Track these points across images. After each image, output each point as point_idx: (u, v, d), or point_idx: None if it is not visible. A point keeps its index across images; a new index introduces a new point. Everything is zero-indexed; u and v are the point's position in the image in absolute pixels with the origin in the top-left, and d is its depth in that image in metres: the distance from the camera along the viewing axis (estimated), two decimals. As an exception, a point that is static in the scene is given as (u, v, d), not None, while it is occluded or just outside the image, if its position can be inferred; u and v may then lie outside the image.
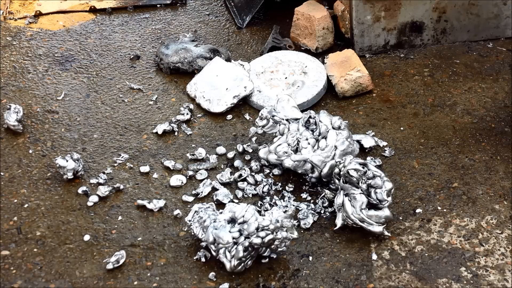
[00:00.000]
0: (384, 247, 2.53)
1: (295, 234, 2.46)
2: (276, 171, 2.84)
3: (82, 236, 2.55)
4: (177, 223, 2.62)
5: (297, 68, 3.33)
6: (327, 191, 2.68)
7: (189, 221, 2.50)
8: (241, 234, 2.38)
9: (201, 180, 2.80)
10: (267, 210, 2.65)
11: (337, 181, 2.61)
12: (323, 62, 3.35)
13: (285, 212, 2.46)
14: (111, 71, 3.39)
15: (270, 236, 2.37)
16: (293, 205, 2.67)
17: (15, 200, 2.69)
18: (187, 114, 3.10)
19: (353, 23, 3.42)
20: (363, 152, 2.92)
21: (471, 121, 3.09)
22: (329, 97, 3.24)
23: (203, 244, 2.48)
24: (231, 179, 2.80)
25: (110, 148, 2.95)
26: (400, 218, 2.65)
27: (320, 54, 3.48)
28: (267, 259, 2.46)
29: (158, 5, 3.90)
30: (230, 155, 2.91)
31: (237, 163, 2.87)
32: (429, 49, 3.55)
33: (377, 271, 2.45)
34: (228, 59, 3.40)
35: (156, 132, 3.02)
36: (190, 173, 2.83)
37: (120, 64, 3.44)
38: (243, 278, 2.42)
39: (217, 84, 3.21)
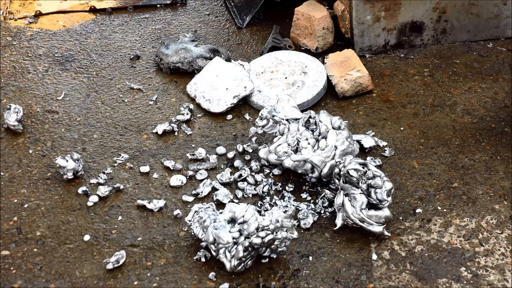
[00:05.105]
0: (384, 247, 2.53)
1: (295, 234, 2.46)
2: (276, 171, 2.84)
3: (82, 236, 2.56)
4: (177, 223, 2.62)
5: (297, 68, 3.33)
6: (327, 191, 2.68)
7: (189, 221, 2.50)
8: (241, 234, 2.38)
9: (201, 180, 2.80)
10: (267, 210, 2.65)
11: (337, 181, 2.61)
12: (323, 62, 3.35)
13: (285, 212, 2.46)
14: (111, 71, 3.40)
15: (270, 236, 2.37)
16: (293, 205, 2.67)
17: (15, 200, 2.69)
18: (187, 114, 3.10)
19: (353, 23, 3.42)
20: (363, 152, 2.93)
21: (471, 121, 3.09)
22: (329, 97, 3.25)
23: (203, 244, 2.48)
24: (231, 179, 2.80)
25: (110, 148, 2.95)
26: (400, 218, 2.65)
27: (320, 54, 3.49)
28: (267, 259, 2.46)
29: (158, 5, 3.90)
30: (230, 155, 2.91)
31: (237, 163, 2.87)
32: (429, 49, 3.55)
33: (377, 271, 2.45)
34: (228, 59, 3.40)
35: (156, 132, 3.02)
36: (190, 173, 2.83)
37: (120, 64, 3.44)
38: (243, 278, 2.42)
39: (217, 84, 3.21)
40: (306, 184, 2.78)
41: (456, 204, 2.70)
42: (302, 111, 2.89)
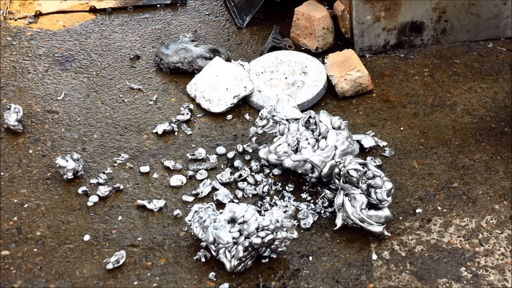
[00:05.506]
0: (384, 247, 2.53)
1: (295, 234, 2.46)
2: (276, 171, 2.84)
3: (82, 236, 2.56)
4: (177, 223, 2.62)
5: (297, 68, 3.33)
6: (327, 191, 2.68)
7: (189, 221, 2.50)
8: (241, 234, 2.38)
9: (201, 180, 2.80)
10: (267, 210, 2.65)
11: (337, 181, 2.61)
12: (323, 62, 3.35)
13: (285, 212, 2.46)
14: (111, 71, 3.40)
15: (270, 236, 2.37)
16: (293, 205, 2.67)
17: (15, 200, 2.69)
18: (187, 114, 3.10)
19: (353, 23, 3.42)
20: (363, 152, 2.92)
21: (471, 121, 3.09)
22: (329, 97, 3.25)
23: (203, 244, 2.48)
24: (231, 179, 2.80)
25: (110, 148, 2.95)
26: (400, 218, 2.65)
27: (320, 54, 3.49)
28: (267, 259, 2.46)
29: (158, 5, 3.90)
30: (230, 155, 2.91)
31: (237, 163, 2.87)
32: (429, 49, 3.55)
33: (377, 271, 2.45)
34: (228, 59, 3.40)
35: (156, 132, 3.02)
36: (190, 173, 2.83)
37: (120, 64, 3.45)
38: (243, 278, 2.42)
39: (217, 84, 3.21)
40: (306, 184, 2.78)
41: (456, 204, 2.70)
42: (302, 111, 2.89)
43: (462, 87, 3.29)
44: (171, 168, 2.85)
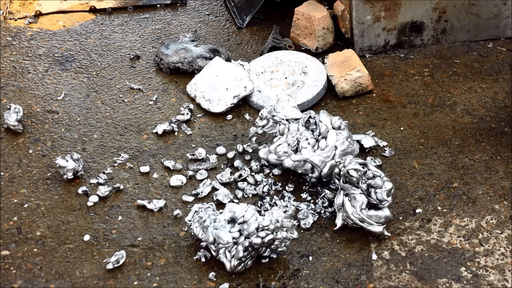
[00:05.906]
0: (384, 247, 2.53)
1: (295, 234, 2.46)
2: (276, 171, 2.84)
3: (82, 236, 2.56)
4: (177, 223, 2.62)
5: (297, 68, 3.33)
6: (327, 191, 2.68)
7: (189, 221, 2.50)
8: (241, 234, 2.38)
9: (201, 180, 2.80)
10: (267, 210, 2.65)
11: (337, 181, 2.61)
12: (323, 62, 3.35)
13: (285, 212, 2.46)
14: (111, 71, 3.40)
15: (270, 236, 2.37)
16: (293, 205, 2.67)
17: (15, 200, 2.69)
18: (187, 114, 3.11)
19: (353, 23, 3.42)
20: (363, 152, 2.93)
21: (471, 121, 3.09)
22: (329, 97, 3.25)
23: (203, 244, 2.48)
24: (231, 179, 2.80)
25: (110, 148, 2.95)
26: (400, 218, 2.65)
27: (320, 54, 3.49)
28: (267, 259, 2.46)
29: (158, 5, 3.90)
30: (230, 155, 2.91)
31: (237, 163, 2.87)
32: (429, 49, 3.55)
33: (377, 271, 2.45)
34: (228, 59, 3.40)
35: (156, 132, 3.02)
36: (190, 173, 2.83)
37: (120, 64, 3.44)
38: (243, 278, 2.42)
39: (217, 84, 3.21)
40: (306, 184, 2.78)
41: (456, 204, 2.70)
42: (302, 111, 2.89)
43: (462, 87, 3.29)
44: (171, 168, 2.85)
